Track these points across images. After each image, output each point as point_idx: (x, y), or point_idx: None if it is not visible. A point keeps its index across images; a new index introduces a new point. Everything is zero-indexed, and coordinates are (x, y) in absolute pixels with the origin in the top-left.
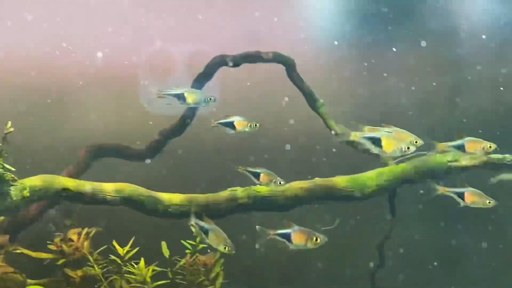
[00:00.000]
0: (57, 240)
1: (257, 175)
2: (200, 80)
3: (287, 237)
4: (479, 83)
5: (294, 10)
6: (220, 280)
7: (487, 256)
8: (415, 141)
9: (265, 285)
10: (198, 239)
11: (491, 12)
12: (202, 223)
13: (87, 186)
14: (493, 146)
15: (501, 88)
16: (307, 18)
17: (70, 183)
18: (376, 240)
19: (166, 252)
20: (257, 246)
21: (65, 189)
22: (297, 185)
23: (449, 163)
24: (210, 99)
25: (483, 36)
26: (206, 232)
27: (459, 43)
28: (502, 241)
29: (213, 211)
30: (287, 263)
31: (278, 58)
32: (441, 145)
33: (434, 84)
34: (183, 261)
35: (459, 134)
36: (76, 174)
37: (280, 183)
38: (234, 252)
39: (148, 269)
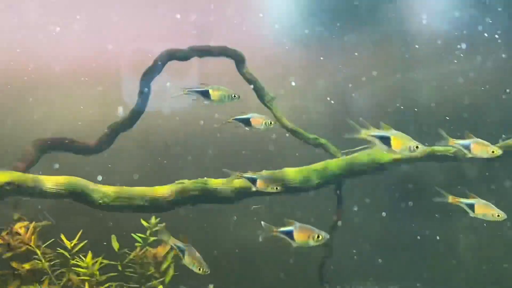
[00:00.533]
0: (3, 233)
1: (253, 181)
2: (149, 74)
3: (290, 234)
4: (425, 80)
5: (245, 4)
6: (171, 272)
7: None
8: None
9: (216, 274)
10: (148, 232)
11: (441, 12)
12: (179, 243)
13: (29, 179)
14: (497, 151)
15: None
16: (256, 12)
17: (14, 176)
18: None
19: (115, 245)
20: (260, 239)
21: (9, 182)
22: None
23: (392, 156)
24: (234, 96)
25: (432, 35)
26: (182, 252)
27: (407, 41)
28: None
29: (160, 203)
30: (237, 254)
31: (227, 52)
32: (451, 141)
33: (382, 78)
34: (133, 254)
35: (468, 134)
36: (23, 169)
37: (276, 188)
38: (208, 272)
39: (96, 262)
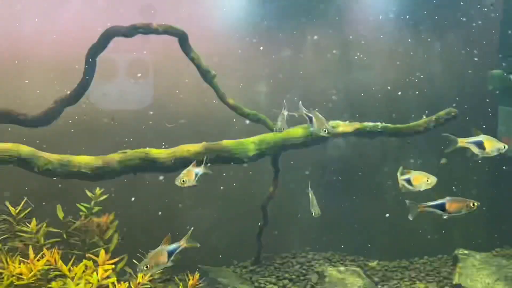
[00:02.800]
0: None
1: (310, 119)
2: (94, 51)
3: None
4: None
5: None
6: (115, 241)
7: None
8: None
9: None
10: (92, 203)
11: None
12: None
13: None
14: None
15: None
16: None
17: None
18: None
19: (60, 214)
20: (410, 218)
21: None
22: (185, 148)
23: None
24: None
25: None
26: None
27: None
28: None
29: (104, 172)
30: (177, 224)
31: (170, 31)
32: (461, 140)
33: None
34: (78, 222)
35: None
36: None
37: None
38: None
39: (41, 227)
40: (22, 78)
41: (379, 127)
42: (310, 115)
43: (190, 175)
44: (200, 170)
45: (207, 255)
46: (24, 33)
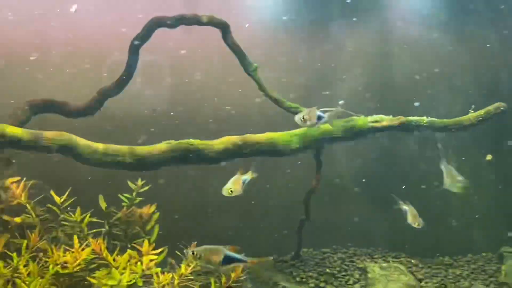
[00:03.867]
0: None
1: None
2: (138, 41)
3: None
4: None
5: None
6: (156, 232)
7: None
8: None
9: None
10: (134, 193)
11: None
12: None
13: (23, 132)
14: None
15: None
16: None
17: (7, 129)
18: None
19: (103, 204)
20: None
21: (2, 135)
22: (228, 140)
23: (370, 124)
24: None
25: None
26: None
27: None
28: None
29: (148, 162)
30: (219, 220)
31: (213, 22)
32: None
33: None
34: (120, 213)
35: None
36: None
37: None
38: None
39: (85, 217)
40: (63, 70)
41: (425, 121)
42: (444, 169)
43: (237, 184)
44: (247, 176)
45: (249, 248)
46: (64, 25)
